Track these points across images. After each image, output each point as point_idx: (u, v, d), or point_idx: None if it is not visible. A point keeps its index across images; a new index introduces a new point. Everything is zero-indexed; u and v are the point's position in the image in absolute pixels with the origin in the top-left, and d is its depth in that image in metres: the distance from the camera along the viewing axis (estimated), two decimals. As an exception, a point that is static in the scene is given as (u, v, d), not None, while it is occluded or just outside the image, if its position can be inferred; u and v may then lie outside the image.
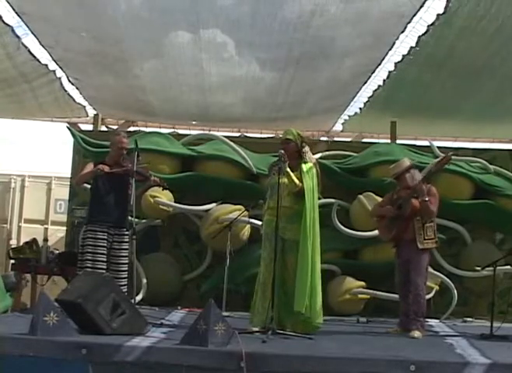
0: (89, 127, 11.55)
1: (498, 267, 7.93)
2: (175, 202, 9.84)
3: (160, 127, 11.49)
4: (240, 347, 5.13)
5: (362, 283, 9.80)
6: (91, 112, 11.47)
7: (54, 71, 9.44)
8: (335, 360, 5.20)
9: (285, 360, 5.15)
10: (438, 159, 8.24)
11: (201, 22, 7.93)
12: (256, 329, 6.66)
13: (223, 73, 9.29)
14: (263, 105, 10.49)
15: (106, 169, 7.56)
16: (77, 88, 10.23)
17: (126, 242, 7.62)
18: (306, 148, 7.21)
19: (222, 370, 5.06)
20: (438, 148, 10.55)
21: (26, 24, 7.96)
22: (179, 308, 9.41)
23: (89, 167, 7.74)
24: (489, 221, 10.43)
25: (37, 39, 8.38)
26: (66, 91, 10.26)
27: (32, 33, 8.21)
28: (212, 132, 11.14)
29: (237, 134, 11.64)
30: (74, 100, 10.74)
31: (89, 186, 8.04)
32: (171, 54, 8.72)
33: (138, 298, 8.93)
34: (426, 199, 7.38)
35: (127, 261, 7.62)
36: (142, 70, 9.23)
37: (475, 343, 6.72)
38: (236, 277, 9.39)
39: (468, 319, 9.80)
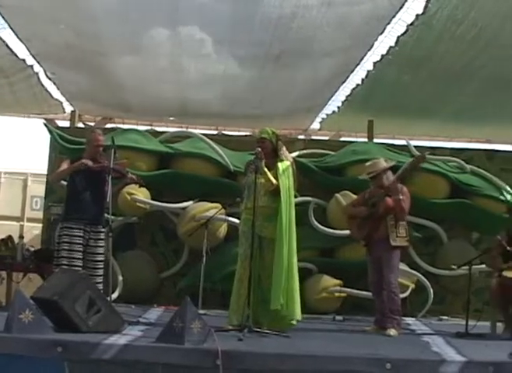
0: (66, 124, 11.46)
1: (474, 266, 7.99)
2: (152, 199, 9.81)
3: (138, 124, 11.43)
4: (217, 345, 5.12)
5: (339, 281, 9.83)
6: (68, 108, 11.38)
7: (31, 65, 9.36)
8: (312, 358, 5.21)
9: (262, 358, 5.15)
10: (412, 159, 8.29)
11: (179, 19, 7.91)
12: (232, 327, 6.66)
13: (201, 70, 9.27)
14: (241, 102, 10.48)
15: (90, 163, 7.52)
16: (54, 84, 10.15)
17: (102, 239, 7.58)
18: (283, 147, 7.22)
19: (199, 368, 5.05)
20: (415, 147, 10.60)
21: (3, 17, 7.88)
22: (155, 305, 9.39)
23: (66, 164, 7.69)
24: (466, 221, 10.50)
25: (15, 33, 8.30)
26: (44, 86, 10.18)
27: (9, 26, 8.13)
28: (189, 130, 11.10)
29: (215, 132, 11.61)
30: (51, 96, 10.66)
31: (65, 183, 8.00)
32: (149, 50, 8.68)
33: (115, 295, 8.89)
34: (400, 197, 7.42)
35: (103, 258, 7.58)
36: (119, 65, 9.19)
37: (451, 341, 6.76)
38: (213, 275, 9.37)
39: (444, 318, 9.87)
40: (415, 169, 7.89)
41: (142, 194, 9.58)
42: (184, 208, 9.90)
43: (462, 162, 10.59)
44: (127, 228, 10.03)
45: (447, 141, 12.06)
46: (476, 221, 10.42)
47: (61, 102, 11.11)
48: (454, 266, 8.45)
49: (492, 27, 7.80)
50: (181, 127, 11.43)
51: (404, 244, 7.63)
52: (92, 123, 11.68)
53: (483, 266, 8.54)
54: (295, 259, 6.96)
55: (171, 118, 11.40)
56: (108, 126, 11.45)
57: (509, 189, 10.55)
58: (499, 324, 7.85)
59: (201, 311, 7.89)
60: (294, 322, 6.90)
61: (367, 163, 8.00)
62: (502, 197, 10.40)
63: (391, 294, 7.43)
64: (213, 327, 5.75)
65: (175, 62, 9.07)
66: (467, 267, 7.89)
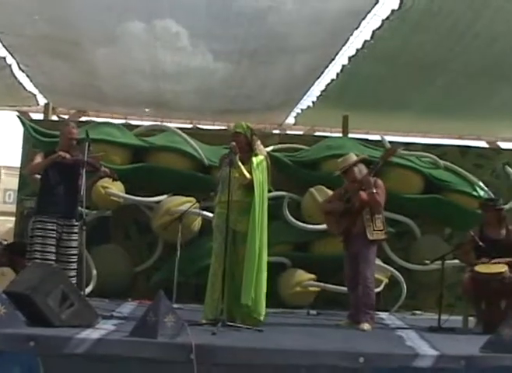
0: (40, 116, 11.39)
1: (446, 261, 8.05)
2: (126, 193, 9.77)
3: (112, 118, 11.38)
4: (190, 339, 5.12)
5: (313, 275, 9.84)
6: (42, 101, 11.30)
7: (4, 57, 9.29)
8: (285, 352, 5.22)
9: (235, 352, 5.16)
10: (384, 152, 8.34)
11: (156, 12, 7.89)
12: (206, 321, 6.66)
13: (177, 63, 9.25)
14: (216, 96, 10.46)
15: (67, 155, 7.47)
16: (27, 76, 10.07)
17: (76, 233, 7.53)
18: (258, 141, 7.22)
19: (172, 362, 5.05)
20: (390, 142, 10.64)
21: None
22: (129, 300, 9.36)
23: (39, 157, 7.63)
24: (439, 216, 10.56)
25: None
26: (16, 78, 10.10)
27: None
28: (164, 123, 11.07)
29: (190, 126, 11.58)
30: (24, 88, 10.58)
31: (39, 177, 7.94)
32: (125, 42, 8.64)
33: (88, 289, 8.84)
34: (374, 191, 7.47)
35: (76, 252, 7.53)
36: (94, 56, 9.13)
37: (424, 335, 6.81)
38: (187, 269, 9.36)
39: (417, 312, 9.94)
40: (386, 162, 7.92)
41: (116, 188, 9.53)
42: (158, 202, 9.87)
43: (436, 158, 10.66)
44: (101, 221, 9.97)
45: (420, 137, 12.14)
46: (449, 216, 10.49)
47: (35, 95, 11.04)
48: (427, 261, 8.49)
49: (466, 18, 7.86)
50: (156, 121, 11.40)
51: (381, 237, 7.67)
52: (66, 116, 11.60)
53: (456, 261, 8.60)
54: (265, 254, 6.98)
55: (146, 110, 11.36)
56: (82, 119, 11.39)
57: (481, 184, 10.64)
58: (471, 318, 7.91)
59: (176, 306, 7.87)
60: (261, 318, 6.90)
61: (339, 160, 8.03)
62: (475, 193, 10.47)
63: (366, 288, 7.46)
64: (187, 321, 5.75)
65: (150, 55, 9.05)
66: (440, 262, 7.94)
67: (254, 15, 7.74)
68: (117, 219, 10.19)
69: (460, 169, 10.65)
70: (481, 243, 7.64)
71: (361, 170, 7.73)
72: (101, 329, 5.83)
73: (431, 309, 9.26)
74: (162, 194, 9.89)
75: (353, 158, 7.85)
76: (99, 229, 9.83)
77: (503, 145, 12.32)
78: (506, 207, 9.00)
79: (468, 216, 9.91)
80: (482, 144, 12.30)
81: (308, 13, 7.72)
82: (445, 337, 6.78)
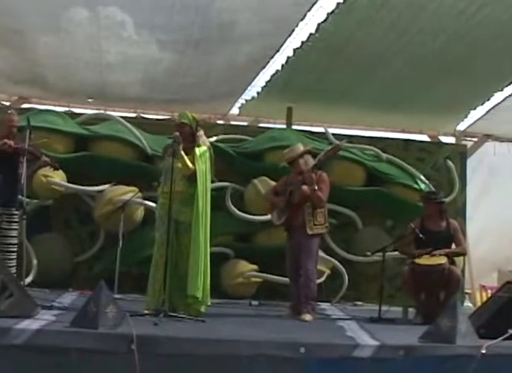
0: (-20, 103, 11.17)
1: (387, 253, 8.14)
2: (68, 182, 9.66)
3: (55, 106, 11.19)
4: (131, 330, 5.09)
5: (255, 266, 9.87)
6: (-18, 88, 11.09)
7: None
8: (227, 342, 5.23)
9: (177, 342, 5.15)
10: (329, 148, 8.37)
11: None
12: (148, 311, 6.63)
13: (122, 52, 9.14)
14: (161, 86, 10.38)
15: (12, 143, 7.33)
16: (-33, 62, 9.87)
17: (16, 222, 7.43)
18: (201, 132, 7.20)
19: (113, 352, 5.01)
20: (333, 135, 10.72)
21: None
22: (70, 290, 9.28)
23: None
24: (381, 208, 10.69)
25: None
26: (-44, 64, 9.89)
27: None
28: (107, 112, 10.95)
29: (133, 115, 11.47)
30: (-36, 74, 10.36)
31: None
32: (69, 30, 8.51)
33: (28, 279, 8.76)
34: (316, 188, 7.48)
35: (16, 242, 7.43)
36: (37, 44, 8.99)
37: (365, 325, 6.89)
38: (130, 259, 9.31)
39: (359, 303, 10.05)
40: (330, 158, 7.96)
41: (57, 177, 9.40)
42: (100, 191, 9.77)
43: (378, 151, 10.77)
44: (42, 210, 9.83)
45: (364, 130, 12.22)
46: (391, 208, 10.62)
47: (-25, 82, 10.82)
48: (368, 253, 8.58)
49: (409, 13, 7.94)
50: (99, 110, 11.27)
51: (321, 232, 7.71)
52: (7, 103, 11.39)
53: (397, 252, 8.70)
54: (209, 245, 6.98)
55: (89, 100, 11.22)
56: (24, 106, 11.20)
57: (423, 178, 10.79)
58: (410, 309, 8.02)
59: (117, 296, 7.83)
60: (202, 310, 6.90)
61: (285, 150, 8.04)
62: (416, 186, 10.62)
63: (308, 280, 7.50)
64: (129, 312, 5.73)
65: (94, 43, 8.94)
66: (381, 254, 8.03)
67: (199, 5, 7.70)
68: (59, 208, 10.06)
69: (402, 163, 10.79)
70: (421, 235, 7.74)
71: (307, 162, 7.73)
72: (41, 320, 5.76)
73: (372, 300, 9.36)
74: (104, 184, 9.79)
75: (300, 149, 7.85)
76: (39, 218, 9.68)
77: (445, 139, 12.50)
78: (447, 200, 9.17)
79: (410, 208, 10.04)
80: (424, 138, 12.46)
81: (253, 3, 7.71)
82: (385, 328, 6.87)
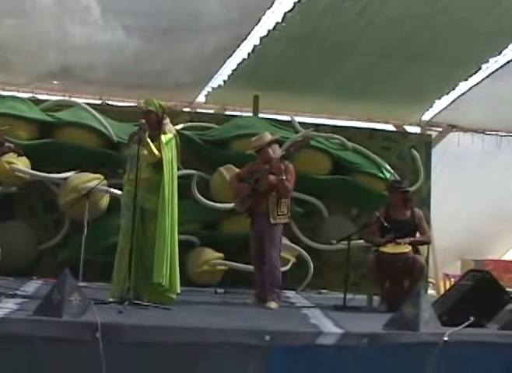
0: None
1: (353, 241, 8.18)
2: (32, 169, 9.57)
3: (18, 92, 11.07)
4: (96, 318, 5.07)
5: (221, 254, 9.88)
6: None
7: None
8: (192, 330, 5.22)
9: (142, 330, 5.13)
10: (297, 140, 8.36)
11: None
12: (113, 299, 6.60)
13: (87, 36, 9.08)
14: (127, 72, 10.32)
15: None
16: None
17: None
18: (167, 120, 7.16)
19: (78, 341, 4.98)
20: (299, 123, 10.74)
21: None
22: (35, 278, 9.20)
23: None
24: (346, 197, 10.74)
25: None
26: None
27: None
28: (72, 99, 10.86)
29: (99, 102, 11.39)
30: None
31: None
32: (33, 13, 8.43)
33: (-9, 267, 8.68)
34: (284, 178, 7.46)
35: (-21, 229, 7.36)
36: (1, 27, 8.88)
37: (329, 313, 6.91)
38: (95, 247, 9.26)
39: (324, 291, 10.11)
40: (298, 150, 7.92)
41: (21, 164, 9.31)
42: (65, 179, 9.69)
43: (344, 140, 10.81)
44: (5, 198, 9.75)
45: (330, 118, 12.26)
46: (356, 197, 10.68)
47: None
48: (333, 241, 8.61)
49: (375, 2, 7.98)
50: (64, 96, 11.17)
51: (283, 221, 7.70)
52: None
53: (362, 241, 8.75)
54: (176, 232, 6.96)
55: (55, 82, 11.10)
56: (-13, 92, 11.06)
57: (388, 167, 10.85)
58: (375, 297, 8.07)
59: (82, 284, 7.77)
60: (174, 296, 6.90)
61: (253, 138, 8.01)
62: (381, 175, 10.69)
63: (272, 267, 7.51)
64: (93, 300, 5.69)
65: (60, 28, 8.86)
66: (346, 242, 8.07)
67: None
68: (23, 196, 9.97)
69: (367, 152, 10.84)
70: (386, 224, 7.79)
71: (274, 150, 7.70)
72: (4, 308, 5.70)
73: (337, 288, 9.40)
74: (69, 171, 9.72)
75: (268, 137, 7.79)
76: (3, 206, 9.62)
77: (410, 129, 12.59)
78: (412, 189, 9.22)
79: (375, 197, 10.10)
80: (390, 127, 12.54)
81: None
82: (349, 315, 6.91)
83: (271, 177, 7.49)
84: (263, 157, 7.69)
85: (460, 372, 5.46)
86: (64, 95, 11.15)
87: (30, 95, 10.99)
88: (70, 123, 9.92)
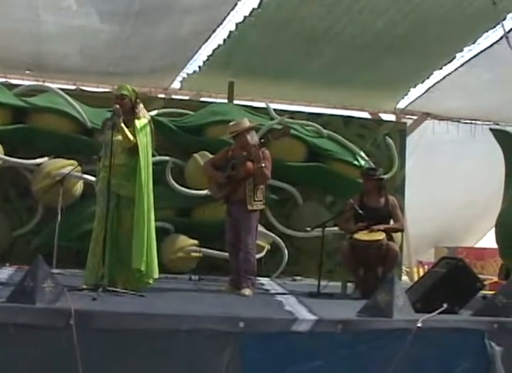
0: None
1: (327, 228, 8.20)
2: (5, 155, 9.50)
3: (-9, 77, 10.99)
4: (69, 305, 5.04)
5: (195, 241, 9.87)
6: None
7: None
8: (166, 317, 5.21)
9: (116, 317, 5.11)
10: (277, 130, 8.29)
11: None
12: (87, 286, 6.57)
13: (60, 22, 8.99)
14: (101, 58, 10.26)
15: None
16: None
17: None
18: (141, 105, 7.10)
19: (51, 328, 4.96)
20: (275, 110, 10.73)
21: None
22: (7, 264, 9.14)
23: None
24: (321, 184, 10.76)
25: None
26: None
27: None
28: (46, 84, 10.76)
29: (73, 87, 11.31)
30: None
31: None
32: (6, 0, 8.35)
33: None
34: (263, 165, 7.43)
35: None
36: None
37: (304, 300, 6.93)
38: (69, 234, 9.22)
39: (298, 278, 10.13)
40: (278, 139, 7.87)
41: (-6, 149, 9.25)
42: (38, 165, 9.63)
43: (319, 127, 10.82)
44: (-22, 184, 9.69)
45: (305, 106, 12.28)
46: (331, 184, 10.70)
47: None
48: (308, 228, 8.62)
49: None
50: (38, 81, 11.06)
51: (260, 208, 7.69)
52: None
53: (336, 228, 8.77)
54: (153, 218, 6.93)
55: (28, 71, 11.01)
56: (-41, 77, 10.95)
57: (363, 154, 10.89)
58: (349, 284, 8.11)
59: (56, 271, 7.75)
60: (151, 281, 6.88)
61: (231, 123, 7.94)
62: (356, 162, 10.72)
63: (247, 254, 7.50)
64: (67, 286, 5.65)
65: (32, 14, 8.76)
66: (320, 229, 8.08)
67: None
68: (-5, 182, 9.91)
69: (342, 139, 10.86)
70: (360, 211, 7.81)
71: (252, 136, 7.65)
72: (-24, 295, 5.66)
73: (311, 275, 9.43)
74: (43, 157, 9.66)
75: (247, 123, 7.70)
76: (-25, 192, 9.55)
77: (385, 117, 12.64)
78: (386, 176, 9.25)
79: (349, 185, 10.13)
80: (365, 115, 12.57)
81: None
82: (324, 302, 6.93)
83: (249, 164, 7.45)
84: (240, 143, 7.61)
85: (433, 358, 5.50)
86: (37, 81, 11.05)
87: (3, 79, 10.89)
88: (44, 108, 9.83)
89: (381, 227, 7.78)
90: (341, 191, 10.32)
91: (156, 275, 6.89)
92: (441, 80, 11.11)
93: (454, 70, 10.73)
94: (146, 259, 6.72)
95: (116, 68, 10.57)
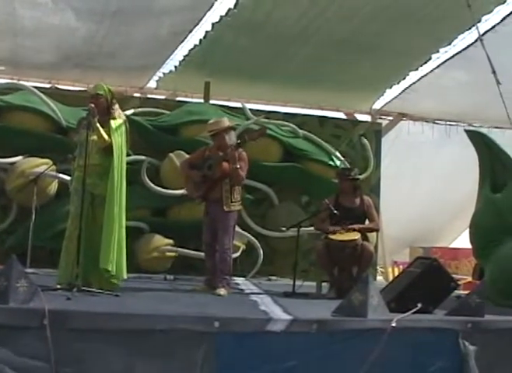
0: None
1: (302, 228, 8.21)
2: (-21, 153, 9.43)
3: (-36, 75, 10.90)
4: (43, 304, 5.01)
5: (170, 241, 9.85)
6: None
7: None
8: (141, 316, 5.20)
9: (90, 317, 5.08)
10: (254, 131, 8.28)
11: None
12: (61, 286, 6.53)
13: (36, 18, 8.94)
14: (77, 56, 10.20)
15: None
16: None
17: None
18: (116, 105, 7.07)
19: (25, 328, 4.92)
20: (250, 110, 10.74)
21: None
22: (-20, 264, 9.06)
23: None
24: (296, 184, 10.78)
25: None
26: None
27: None
28: (21, 82, 10.69)
29: (48, 86, 11.24)
30: None
31: None
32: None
33: None
34: (238, 166, 7.42)
35: None
36: None
37: (278, 300, 6.94)
38: (43, 233, 9.16)
39: (273, 278, 10.15)
40: (254, 140, 7.86)
41: (-33, 148, 9.18)
42: (12, 163, 9.56)
43: (295, 127, 10.84)
44: (-50, 183, 9.59)
45: (281, 106, 12.29)
46: (306, 184, 10.73)
47: None
48: (283, 228, 8.63)
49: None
50: (12, 79, 10.99)
51: (237, 208, 7.68)
52: None
53: (311, 228, 8.79)
54: (124, 218, 6.90)
55: (2, 68, 10.93)
56: None
57: (338, 154, 10.92)
58: (324, 284, 8.12)
59: (30, 270, 7.69)
60: (118, 282, 6.83)
61: (210, 121, 7.89)
62: (331, 162, 10.75)
63: (223, 254, 7.48)
64: (41, 286, 5.61)
65: (8, 10, 8.70)
66: (296, 229, 8.09)
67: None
68: (-31, 181, 9.82)
69: (318, 139, 10.89)
70: (335, 211, 7.82)
71: (231, 136, 7.62)
72: (-51, 295, 5.61)
73: (286, 275, 9.45)
74: (16, 155, 9.59)
75: (226, 123, 7.65)
76: None
77: (360, 117, 12.68)
78: (361, 177, 9.28)
79: (325, 185, 10.16)
80: (341, 115, 12.61)
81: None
82: (299, 302, 6.94)
83: (225, 164, 7.43)
84: (218, 142, 7.57)
85: (407, 358, 5.52)
86: (12, 79, 10.97)
87: (-24, 77, 10.81)
88: (18, 106, 9.77)
89: (356, 227, 7.81)
90: (317, 191, 10.34)
91: (125, 276, 6.86)
92: (417, 81, 11.18)
93: (430, 71, 10.80)
94: (115, 259, 6.69)
95: (92, 67, 10.52)
